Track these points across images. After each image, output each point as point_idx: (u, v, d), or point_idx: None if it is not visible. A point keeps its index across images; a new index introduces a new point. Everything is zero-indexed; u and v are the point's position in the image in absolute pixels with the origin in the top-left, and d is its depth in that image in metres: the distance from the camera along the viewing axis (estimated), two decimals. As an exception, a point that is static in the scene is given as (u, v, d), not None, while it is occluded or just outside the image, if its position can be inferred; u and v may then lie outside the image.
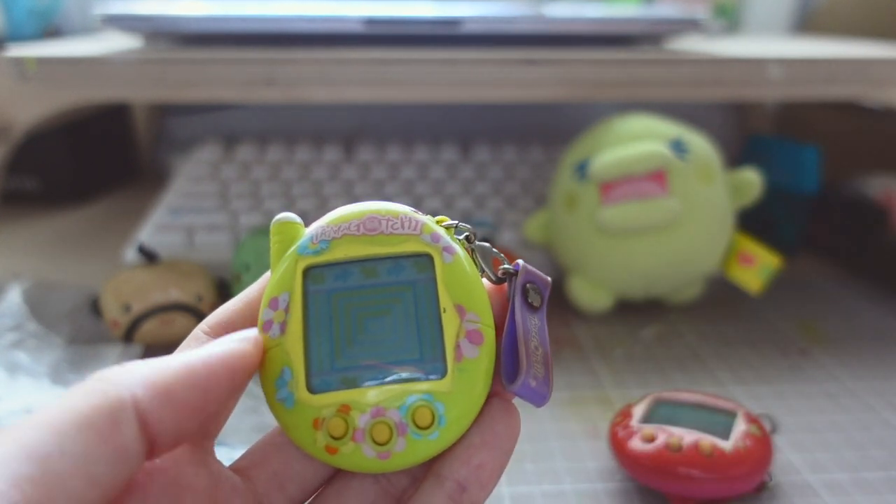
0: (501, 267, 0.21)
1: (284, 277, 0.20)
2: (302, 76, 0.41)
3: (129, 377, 0.16)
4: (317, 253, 0.20)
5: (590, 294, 0.43)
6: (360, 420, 0.19)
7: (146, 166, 0.70)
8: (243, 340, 0.18)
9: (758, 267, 0.42)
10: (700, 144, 0.42)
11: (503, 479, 0.30)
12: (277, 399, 0.19)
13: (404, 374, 0.19)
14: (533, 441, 0.32)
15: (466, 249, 0.21)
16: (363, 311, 0.20)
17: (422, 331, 0.20)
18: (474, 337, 0.19)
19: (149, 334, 0.38)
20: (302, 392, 0.19)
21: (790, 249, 0.49)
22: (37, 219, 0.59)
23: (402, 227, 0.21)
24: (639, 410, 0.30)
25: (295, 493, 0.20)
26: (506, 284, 0.21)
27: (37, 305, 0.41)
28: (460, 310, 0.20)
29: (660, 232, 0.40)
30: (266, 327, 0.20)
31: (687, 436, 0.28)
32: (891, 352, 0.41)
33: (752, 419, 0.29)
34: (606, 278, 0.42)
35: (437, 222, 0.21)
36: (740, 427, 0.28)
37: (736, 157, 0.53)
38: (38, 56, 0.41)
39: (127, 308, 0.37)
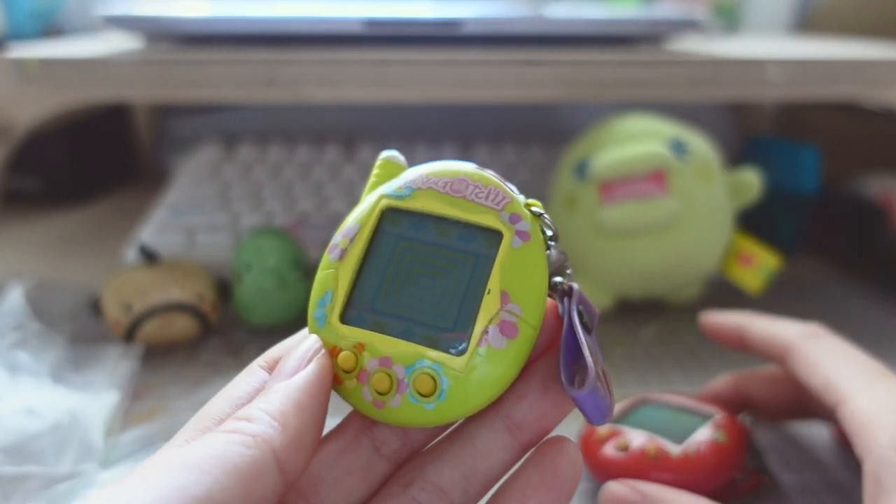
0: (555, 279, 0.20)
1: (364, 211, 0.21)
2: (302, 77, 0.41)
3: (266, 427, 0.16)
4: (399, 197, 0.21)
5: (589, 294, 0.43)
6: (369, 363, 0.19)
7: (147, 166, 0.71)
8: (317, 355, 0.19)
9: (757, 267, 0.42)
10: (700, 145, 0.42)
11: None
12: (314, 316, 0.20)
13: (428, 339, 0.19)
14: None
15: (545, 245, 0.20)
16: (421, 265, 0.20)
17: (465, 304, 0.19)
18: (507, 328, 0.19)
19: (150, 334, 0.38)
20: (333, 317, 0.20)
21: (790, 249, 0.50)
22: (38, 219, 0.59)
23: (486, 198, 0.21)
24: (615, 410, 0.30)
25: None
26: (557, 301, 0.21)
27: (38, 305, 0.41)
28: (504, 297, 0.19)
29: (659, 232, 0.40)
30: (332, 249, 0.21)
31: (637, 439, 0.27)
32: (890, 352, 0.41)
33: (726, 424, 0.28)
34: (606, 278, 0.42)
35: (528, 205, 0.21)
36: (705, 433, 0.28)
37: (735, 157, 0.53)
38: (40, 57, 0.41)
39: (128, 308, 0.37)
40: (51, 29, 0.66)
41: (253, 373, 0.20)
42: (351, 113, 0.63)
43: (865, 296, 0.47)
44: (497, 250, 0.20)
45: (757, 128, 0.69)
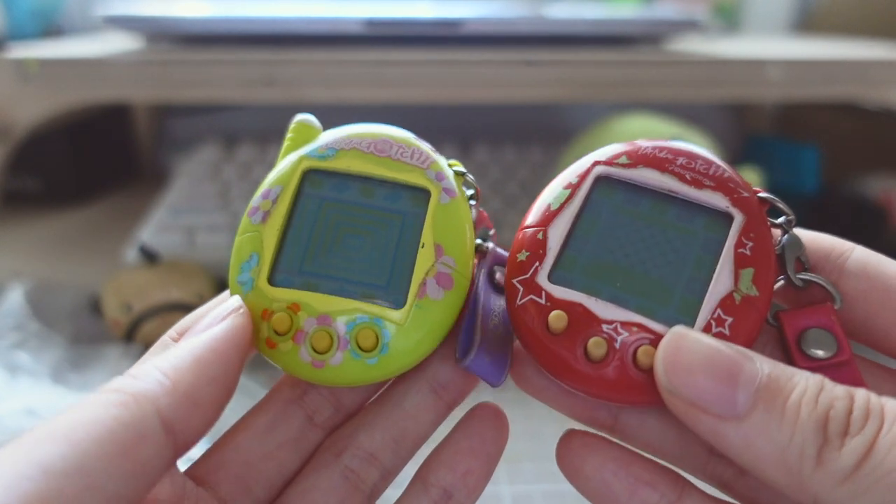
0: (477, 241, 0.21)
1: (284, 172, 0.20)
2: (302, 77, 0.41)
3: (151, 384, 0.15)
4: (322, 158, 0.21)
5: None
6: (306, 323, 0.19)
7: (147, 166, 0.70)
8: (235, 313, 0.18)
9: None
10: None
11: (504, 478, 0.30)
12: (238, 281, 0.19)
13: (364, 295, 0.19)
14: (533, 441, 0.32)
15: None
16: (347, 226, 0.20)
17: (397, 261, 0.20)
18: (444, 280, 0.19)
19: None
20: (262, 280, 0.19)
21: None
22: (38, 219, 0.59)
23: (412, 157, 0.21)
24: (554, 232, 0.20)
25: (261, 494, 0.19)
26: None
27: (38, 305, 0.41)
28: (438, 250, 0.19)
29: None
30: (252, 212, 0.20)
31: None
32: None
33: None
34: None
35: (450, 165, 0.21)
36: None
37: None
38: (40, 57, 0.41)
39: (128, 308, 0.37)
40: (51, 29, 0.66)
41: (163, 345, 0.19)
42: (351, 113, 0.63)
43: (865, 296, 0.47)
44: (425, 207, 0.20)
45: (757, 128, 0.69)
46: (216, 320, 0.17)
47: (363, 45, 0.45)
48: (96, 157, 0.65)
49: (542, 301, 0.18)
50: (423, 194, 0.20)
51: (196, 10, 0.45)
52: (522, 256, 0.19)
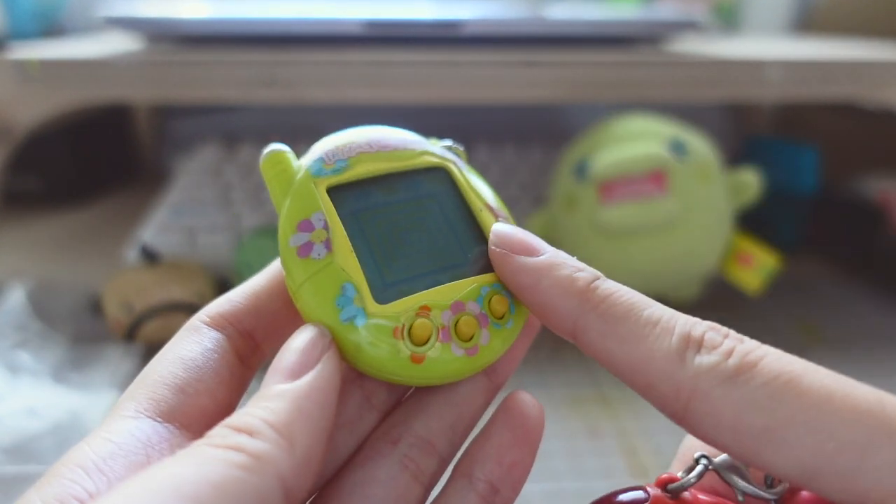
0: None
1: (305, 201, 0.18)
2: (303, 77, 0.41)
3: (271, 445, 0.14)
4: (336, 172, 0.19)
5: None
6: (443, 317, 0.18)
7: (148, 167, 0.71)
8: (329, 353, 0.16)
9: (756, 267, 0.42)
10: (699, 145, 0.42)
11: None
12: (344, 320, 0.17)
13: (462, 274, 0.18)
14: (532, 440, 0.32)
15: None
16: (395, 226, 0.19)
17: (458, 236, 0.19)
18: None
19: (151, 334, 0.38)
20: (372, 305, 0.17)
21: (789, 249, 0.50)
22: (39, 219, 0.59)
23: (409, 143, 0.21)
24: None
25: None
26: None
27: (39, 305, 0.42)
28: (491, 208, 0.20)
29: (658, 232, 0.40)
30: (304, 251, 0.18)
31: None
32: (891, 352, 0.41)
33: None
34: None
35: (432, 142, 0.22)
36: None
37: (735, 157, 0.53)
38: (41, 57, 0.41)
39: (129, 308, 0.37)
40: (52, 29, 0.66)
41: (200, 331, 0.18)
42: (351, 113, 0.63)
43: (865, 296, 0.48)
44: (447, 183, 0.20)
45: (756, 128, 0.69)
46: (309, 360, 0.16)
47: (363, 45, 0.45)
48: (96, 157, 0.65)
49: None
50: (440, 172, 0.21)
51: (196, 11, 0.45)
52: None
